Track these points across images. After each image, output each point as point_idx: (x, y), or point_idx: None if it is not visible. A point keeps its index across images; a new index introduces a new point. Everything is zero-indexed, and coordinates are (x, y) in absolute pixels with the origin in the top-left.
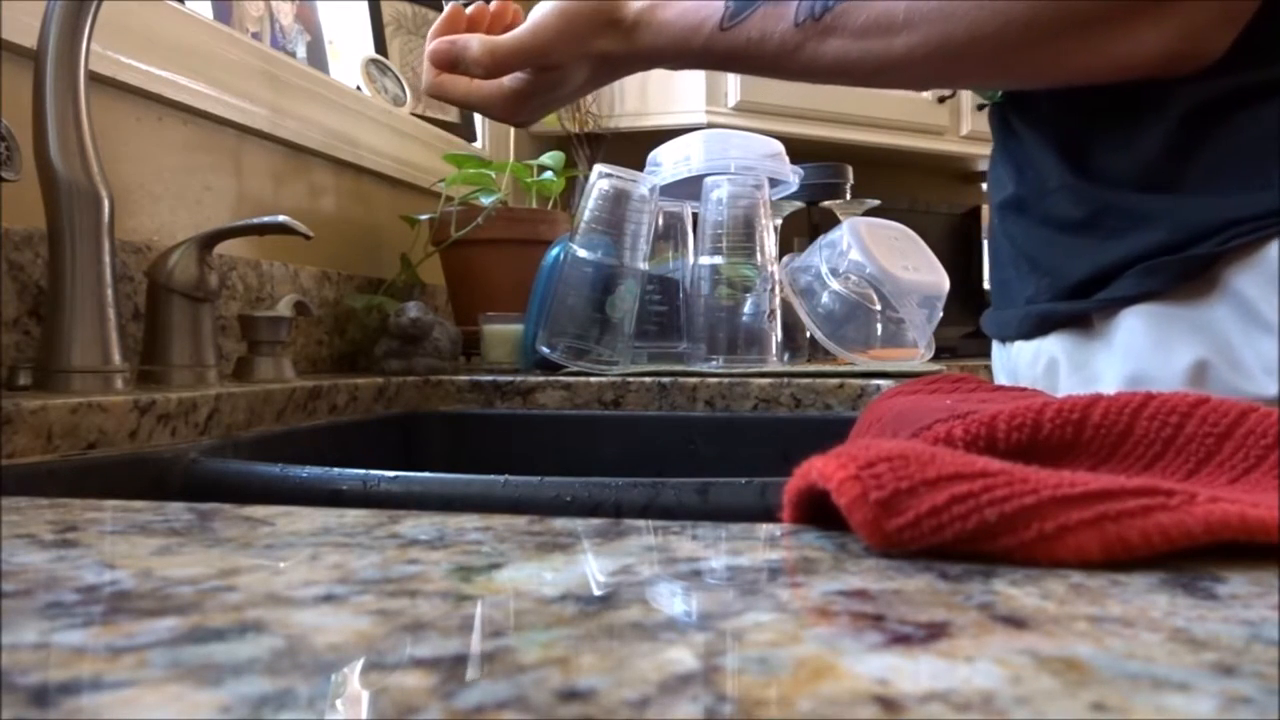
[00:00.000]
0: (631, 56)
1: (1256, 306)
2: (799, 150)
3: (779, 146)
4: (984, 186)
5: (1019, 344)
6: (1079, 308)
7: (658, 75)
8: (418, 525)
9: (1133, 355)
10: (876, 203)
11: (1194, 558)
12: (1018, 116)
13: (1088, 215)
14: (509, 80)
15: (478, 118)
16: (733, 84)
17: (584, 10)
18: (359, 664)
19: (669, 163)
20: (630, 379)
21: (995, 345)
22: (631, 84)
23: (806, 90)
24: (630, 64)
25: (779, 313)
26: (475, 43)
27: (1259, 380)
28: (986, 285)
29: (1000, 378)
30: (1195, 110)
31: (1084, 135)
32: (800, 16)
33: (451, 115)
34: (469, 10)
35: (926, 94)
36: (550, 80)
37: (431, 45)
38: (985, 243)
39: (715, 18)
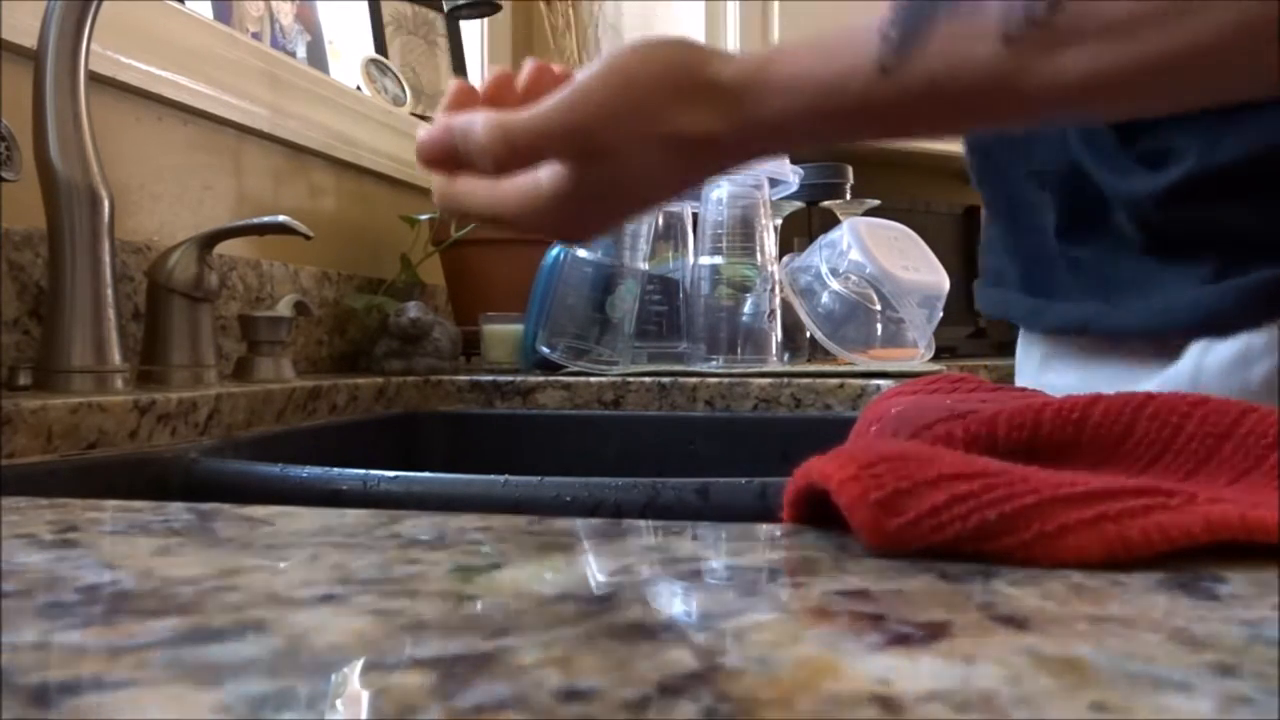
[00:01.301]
0: (739, 136)
1: None
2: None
3: None
4: None
5: (1198, 346)
6: None
7: None
8: (418, 525)
9: None
10: (876, 203)
11: (1194, 558)
12: None
13: None
14: (547, 179)
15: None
16: None
17: (651, 69)
18: (359, 664)
19: None
20: (630, 379)
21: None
22: None
23: None
24: (735, 150)
25: (779, 313)
26: (481, 122)
27: None
28: None
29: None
30: None
31: None
32: (1013, 25)
33: None
34: (495, 78)
35: None
36: (600, 177)
37: (421, 136)
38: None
39: (868, 58)
